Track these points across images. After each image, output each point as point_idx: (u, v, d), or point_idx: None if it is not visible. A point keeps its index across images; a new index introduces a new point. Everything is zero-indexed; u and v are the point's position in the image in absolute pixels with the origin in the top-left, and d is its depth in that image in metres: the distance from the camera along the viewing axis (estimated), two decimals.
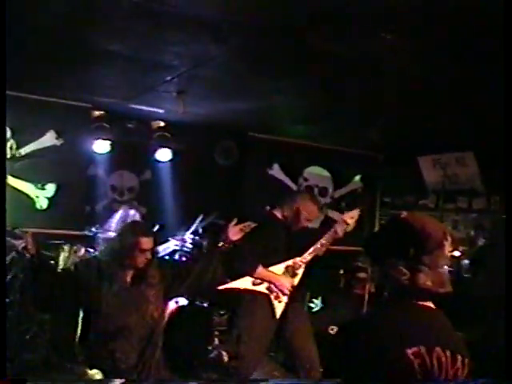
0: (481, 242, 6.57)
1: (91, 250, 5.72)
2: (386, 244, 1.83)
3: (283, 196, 4.78)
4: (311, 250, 4.40)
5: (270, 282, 4.33)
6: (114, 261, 3.72)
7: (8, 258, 5.20)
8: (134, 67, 4.74)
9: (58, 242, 5.69)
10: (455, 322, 1.81)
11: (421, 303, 1.77)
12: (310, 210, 4.46)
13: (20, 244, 3.44)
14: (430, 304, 1.79)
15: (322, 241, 4.41)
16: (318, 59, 4.07)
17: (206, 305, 5.94)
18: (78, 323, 4.02)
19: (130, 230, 3.80)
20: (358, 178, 7.97)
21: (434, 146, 6.70)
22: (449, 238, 1.78)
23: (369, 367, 1.62)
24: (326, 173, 8.00)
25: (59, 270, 5.02)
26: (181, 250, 6.24)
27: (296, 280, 4.41)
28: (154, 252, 3.84)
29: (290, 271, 4.39)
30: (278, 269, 4.38)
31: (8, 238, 3.88)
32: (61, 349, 4.96)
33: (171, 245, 6.13)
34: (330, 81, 4.66)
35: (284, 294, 4.34)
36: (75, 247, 5.66)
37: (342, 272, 7.12)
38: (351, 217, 4.49)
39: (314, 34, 3.55)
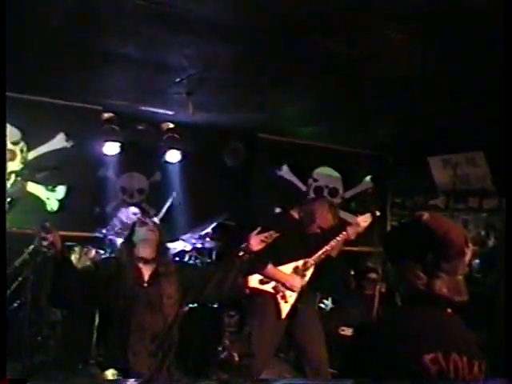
0: (491, 241, 6.53)
1: (101, 252, 5.74)
2: (404, 245, 1.78)
3: (302, 199, 4.77)
4: (321, 251, 4.39)
5: (279, 281, 4.33)
6: (127, 256, 3.74)
7: (20, 260, 5.24)
8: (143, 69, 4.76)
9: (69, 243, 5.71)
10: (465, 323, 1.79)
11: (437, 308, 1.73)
12: (324, 218, 4.46)
13: (49, 238, 3.47)
14: (447, 309, 1.75)
15: (332, 243, 4.40)
16: (328, 60, 4.06)
17: (216, 306, 5.96)
18: (93, 323, 4.03)
19: (136, 222, 3.85)
20: (368, 178, 7.95)
21: (444, 146, 6.67)
22: (470, 246, 1.72)
23: (385, 372, 1.60)
24: (335, 173, 7.98)
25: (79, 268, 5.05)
26: (190, 251, 6.26)
27: (305, 280, 4.41)
28: (163, 246, 3.85)
29: (300, 272, 4.39)
30: (287, 268, 4.38)
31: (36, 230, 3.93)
32: (73, 350, 4.98)
33: (180, 245, 6.14)
34: (339, 81, 4.65)
35: (293, 293, 4.34)
36: (86, 249, 5.69)
37: (352, 272, 7.11)
38: (364, 220, 4.48)
39: (323, 34, 3.55)
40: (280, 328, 4.38)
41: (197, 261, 6.16)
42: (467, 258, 1.72)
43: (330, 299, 6.55)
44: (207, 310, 5.83)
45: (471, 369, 1.65)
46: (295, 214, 4.53)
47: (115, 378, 3.62)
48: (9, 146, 6.14)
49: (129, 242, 3.79)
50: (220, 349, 5.81)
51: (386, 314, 4.41)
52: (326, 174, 7.93)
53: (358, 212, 7.85)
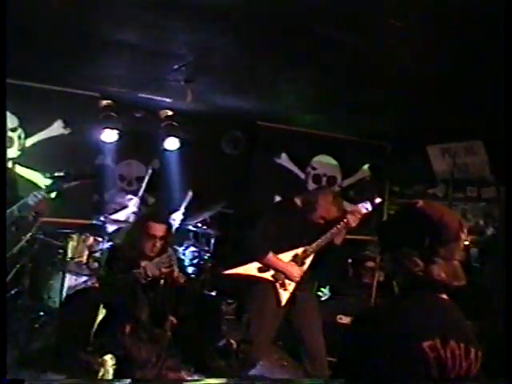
0: (490, 231, 6.54)
1: (100, 239, 5.75)
2: (400, 233, 1.79)
3: (301, 187, 4.74)
4: (321, 239, 4.39)
5: (277, 269, 4.32)
6: (128, 249, 3.77)
7: (17, 247, 5.24)
8: (141, 56, 4.73)
9: (67, 230, 5.72)
10: (463, 312, 1.80)
11: (434, 294, 1.74)
12: (328, 210, 4.44)
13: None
14: (444, 295, 1.76)
15: (333, 231, 4.39)
16: (327, 48, 4.04)
17: (214, 293, 5.98)
18: (91, 310, 4.03)
19: (142, 215, 3.85)
20: (366, 167, 7.94)
21: (443, 134, 6.66)
22: (465, 230, 1.74)
23: (383, 359, 1.60)
24: (334, 162, 7.97)
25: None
26: (188, 238, 6.27)
27: (304, 268, 4.41)
28: (168, 243, 3.87)
29: (299, 259, 4.38)
30: (286, 256, 4.38)
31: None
32: (71, 337, 4.99)
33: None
34: (338, 69, 4.63)
35: (292, 282, 4.35)
36: (84, 236, 5.69)
37: (350, 261, 7.12)
38: (365, 207, 4.46)
39: (322, 22, 3.53)
40: (279, 316, 4.38)
41: (194, 249, 6.16)
42: (462, 242, 1.74)
43: (327, 288, 6.56)
44: (205, 298, 5.85)
45: (468, 356, 1.66)
46: (298, 202, 4.51)
47: (113, 363, 3.65)
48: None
49: (131, 231, 3.84)
50: (218, 337, 5.84)
51: (384, 301, 4.41)
52: (324, 162, 7.92)
53: (356, 200, 7.90)
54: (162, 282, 3.80)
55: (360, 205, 4.44)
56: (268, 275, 4.34)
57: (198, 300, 5.48)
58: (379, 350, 1.62)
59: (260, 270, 4.35)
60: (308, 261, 4.41)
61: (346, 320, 5.77)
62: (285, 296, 4.34)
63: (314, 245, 4.38)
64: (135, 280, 3.72)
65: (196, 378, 4.66)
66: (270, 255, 4.30)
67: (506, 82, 2.95)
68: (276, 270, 4.32)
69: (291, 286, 4.35)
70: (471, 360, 1.67)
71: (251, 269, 4.35)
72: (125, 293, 3.70)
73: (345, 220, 4.38)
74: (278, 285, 4.33)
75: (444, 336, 1.64)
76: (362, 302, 5.96)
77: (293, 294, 4.36)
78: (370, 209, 4.41)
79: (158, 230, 3.85)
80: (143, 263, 3.77)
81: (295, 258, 4.37)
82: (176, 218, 6.27)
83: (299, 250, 4.39)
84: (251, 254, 4.35)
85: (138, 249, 3.87)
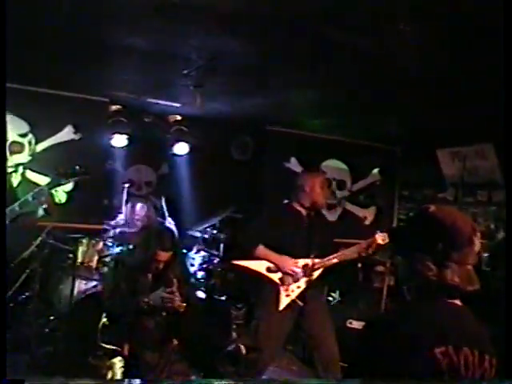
0: (501, 235, 6.49)
1: (109, 244, 5.76)
2: (413, 237, 1.79)
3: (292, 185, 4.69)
4: (333, 256, 4.27)
5: (269, 260, 4.27)
6: (137, 264, 3.88)
7: (27, 252, 5.26)
8: (150, 61, 4.75)
9: (77, 235, 5.74)
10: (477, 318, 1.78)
11: (448, 300, 1.73)
12: (317, 193, 4.38)
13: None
14: (457, 301, 1.75)
15: (346, 252, 4.28)
16: (336, 52, 4.03)
17: (223, 298, 5.98)
18: (100, 315, 4.05)
19: (153, 240, 3.90)
20: (376, 171, 7.92)
21: (453, 138, 6.63)
22: (478, 235, 1.73)
23: (395, 365, 1.59)
24: (343, 166, 7.96)
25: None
26: (198, 243, 6.27)
27: (300, 261, 4.30)
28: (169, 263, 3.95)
29: (308, 270, 4.30)
30: (296, 263, 4.32)
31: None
32: (81, 342, 5.00)
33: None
34: (347, 73, 4.63)
35: (297, 288, 4.29)
36: (93, 241, 5.71)
37: (360, 265, 7.09)
38: (382, 238, 4.32)
39: (331, 26, 3.53)
40: (288, 320, 4.35)
41: (204, 253, 6.17)
42: (476, 246, 1.73)
43: (337, 292, 6.54)
44: (215, 302, 5.85)
45: (482, 363, 1.64)
46: (297, 206, 4.47)
47: (122, 366, 3.66)
48: (17, 138, 6.16)
49: (141, 252, 3.97)
50: (227, 341, 5.83)
51: (396, 306, 4.36)
52: (334, 166, 7.91)
53: (365, 205, 7.86)
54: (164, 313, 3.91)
55: (377, 235, 4.28)
56: (275, 277, 4.30)
57: (207, 304, 5.48)
58: (391, 354, 1.61)
59: (268, 269, 4.32)
60: (316, 273, 4.37)
61: (355, 325, 5.75)
62: (285, 301, 4.28)
63: (325, 259, 4.29)
64: (138, 308, 3.81)
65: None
66: (261, 247, 4.26)
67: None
68: (268, 261, 4.28)
69: (295, 292, 4.30)
70: (485, 367, 1.65)
71: (260, 266, 4.32)
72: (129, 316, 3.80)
73: (360, 245, 4.27)
74: (282, 289, 4.29)
75: (457, 342, 1.62)
76: (371, 306, 5.94)
77: (300, 298, 4.33)
78: (386, 240, 4.26)
79: (164, 256, 3.94)
80: (149, 297, 3.82)
81: (304, 268, 4.31)
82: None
83: (310, 262, 4.31)
84: (243, 243, 4.35)
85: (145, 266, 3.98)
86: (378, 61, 4.19)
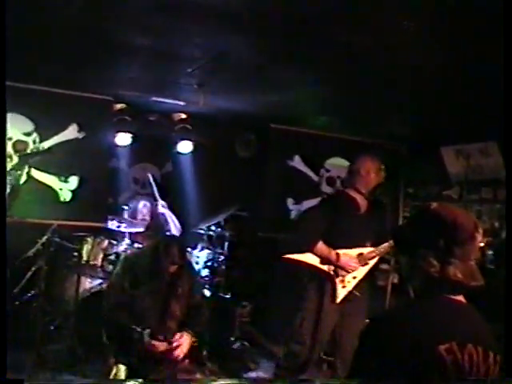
0: (505, 233, 6.48)
1: (114, 242, 5.78)
2: (415, 235, 1.80)
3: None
4: (389, 242, 4.19)
5: (329, 259, 4.16)
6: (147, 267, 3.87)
7: (33, 250, 5.29)
8: (155, 60, 4.75)
9: (82, 234, 5.75)
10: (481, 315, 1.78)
11: (452, 297, 1.74)
12: (370, 180, 4.36)
13: None
14: (461, 298, 1.75)
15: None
16: (340, 49, 4.03)
17: (228, 296, 5.99)
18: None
19: (162, 254, 3.84)
20: None
21: (457, 136, 6.62)
22: (480, 230, 1.74)
23: (399, 362, 1.60)
24: (347, 164, 7.94)
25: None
26: (202, 241, 6.28)
27: (354, 251, 4.24)
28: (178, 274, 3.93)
29: (363, 260, 4.23)
30: (352, 253, 4.23)
31: None
32: (87, 340, 5.02)
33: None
34: (352, 71, 4.62)
35: (347, 272, 4.18)
36: (98, 239, 5.73)
37: None
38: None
39: (335, 23, 3.52)
40: (334, 315, 4.22)
41: (208, 251, 6.17)
42: (477, 242, 1.74)
43: None
44: (220, 300, 5.86)
45: (486, 360, 1.65)
46: (351, 192, 4.36)
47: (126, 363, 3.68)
48: (21, 136, 6.17)
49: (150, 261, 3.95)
50: (232, 339, 5.85)
51: (400, 303, 4.35)
52: (338, 164, 7.88)
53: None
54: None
55: None
56: (329, 269, 4.19)
57: (212, 302, 5.49)
58: (395, 351, 1.62)
59: (322, 261, 4.21)
60: (372, 262, 4.29)
61: None
62: (342, 293, 4.20)
63: (381, 247, 4.26)
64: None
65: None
66: (320, 244, 4.15)
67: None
68: (328, 259, 4.17)
69: (351, 283, 4.21)
70: (490, 364, 1.65)
71: (313, 258, 4.21)
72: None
73: None
74: (337, 280, 4.19)
75: (461, 339, 1.63)
76: (376, 304, 5.92)
77: (350, 292, 4.22)
78: None
79: (173, 268, 3.91)
80: (156, 342, 3.80)
81: (360, 257, 4.24)
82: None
83: (365, 250, 4.25)
84: (299, 243, 4.26)
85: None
86: (381, 58, 4.19)
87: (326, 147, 7.79)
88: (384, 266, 6.88)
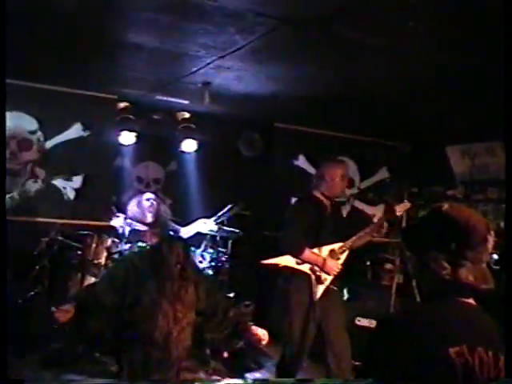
0: None
1: (117, 241, 5.77)
2: (427, 236, 1.77)
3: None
4: (355, 236, 4.38)
5: (316, 264, 4.27)
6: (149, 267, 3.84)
7: (37, 249, 5.29)
8: (159, 58, 4.74)
9: (86, 232, 5.76)
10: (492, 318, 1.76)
11: (462, 300, 1.71)
12: (334, 186, 4.43)
13: None
14: (472, 301, 1.73)
15: (368, 230, 4.40)
16: (345, 48, 4.01)
17: (231, 295, 5.97)
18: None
19: (166, 253, 3.83)
20: (384, 168, 7.88)
21: (463, 135, 6.59)
22: (492, 233, 1.72)
23: (409, 365, 1.58)
24: (352, 163, 7.92)
25: None
26: (205, 240, 6.26)
27: (326, 248, 4.35)
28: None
29: (335, 255, 4.35)
30: (322, 251, 4.34)
31: None
32: (89, 339, 5.01)
33: (197, 226, 6.11)
34: (355, 69, 4.60)
35: (328, 276, 4.29)
36: (102, 238, 5.73)
37: (368, 263, 7.07)
38: (400, 208, 4.44)
39: (340, 22, 3.51)
40: (313, 312, 4.27)
41: (211, 250, 6.16)
42: (490, 245, 1.71)
43: (345, 289, 6.51)
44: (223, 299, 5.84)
45: (496, 363, 1.63)
46: (318, 194, 4.48)
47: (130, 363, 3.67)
48: (26, 135, 6.18)
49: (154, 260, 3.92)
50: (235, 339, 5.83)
51: (409, 305, 4.37)
52: None
53: (374, 202, 7.82)
54: None
55: (397, 206, 4.43)
56: (306, 268, 4.30)
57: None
58: (404, 353, 1.60)
59: (298, 262, 4.31)
60: (343, 257, 4.40)
61: (364, 322, 5.74)
62: (320, 289, 4.28)
63: (349, 241, 4.37)
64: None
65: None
66: (307, 251, 4.26)
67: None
68: (315, 264, 4.28)
69: (327, 279, 4.30)
70: (500, 368, 1.63)
71: (289, 261, 4.32)
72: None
73: (379, 220, 4.39)
74: (313, 277, 4.28)
75: (471, 342, 1.61)
76: (380, 304, 5.91)
77: (326, 289, 4.31)
78: (406, 208, 4.46)
79: (177, 267, 3.89)
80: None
81: (331, 253, 4.35)
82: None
83: (335, 246, 4.36)
84: (288, 250, 4.32)
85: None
86: (386, 57, 4.17)
87: (331, 146, 7.77)
88: (389, 266, 6.87)
